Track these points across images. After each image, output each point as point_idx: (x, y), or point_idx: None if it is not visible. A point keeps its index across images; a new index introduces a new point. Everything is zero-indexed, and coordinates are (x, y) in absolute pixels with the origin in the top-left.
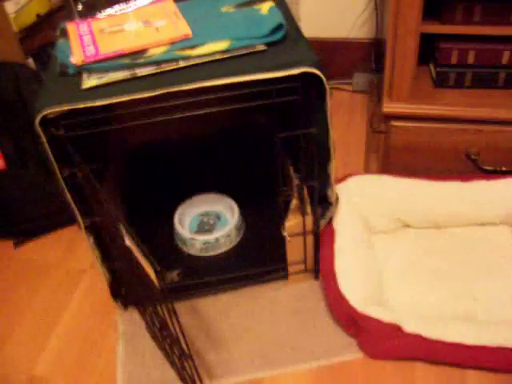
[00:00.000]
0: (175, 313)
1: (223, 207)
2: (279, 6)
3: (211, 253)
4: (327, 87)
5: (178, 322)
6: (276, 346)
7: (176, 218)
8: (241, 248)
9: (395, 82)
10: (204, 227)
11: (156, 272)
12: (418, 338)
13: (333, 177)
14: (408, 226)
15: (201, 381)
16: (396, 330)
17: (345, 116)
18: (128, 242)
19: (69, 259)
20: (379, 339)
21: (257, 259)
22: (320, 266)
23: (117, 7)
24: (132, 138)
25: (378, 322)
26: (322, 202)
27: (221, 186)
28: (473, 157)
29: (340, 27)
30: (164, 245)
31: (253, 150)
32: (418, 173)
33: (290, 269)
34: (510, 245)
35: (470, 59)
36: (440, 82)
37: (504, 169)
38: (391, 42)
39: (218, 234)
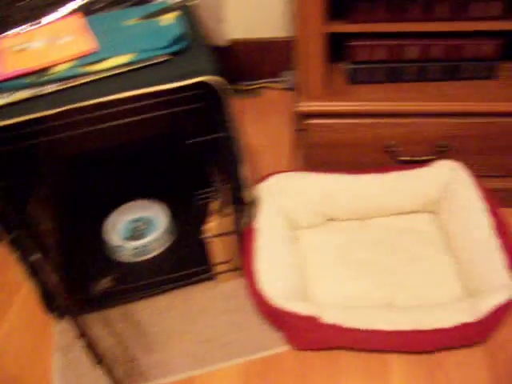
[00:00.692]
0: (78, 322)
1: (154, 212)
2: (185, 15)
3: (143, 257)
4: (225, 95)
5: (82, 330)
6: (208, 345)
7: (106, 225)
8: (172, 251)
9: (306, 81)
10: (136, 233)
11: (63, 285)
12: (338, 328)
13: (247, 178)
14: (333, 219)
15: None
16: (315, 321)
17: (275, 114)
18: (33, 257)
19: (5, 273)
20: (301, 332)
21: (188, 261)
22: (242, 264)
23: (27, 25)
24: (62, 150)
25: (296, 315)
26: (243, 203)
27: (152, 193)
28: (390, 149)
29: (268, 27)
30: (97, 253)
31: (181, 155)
32: (340, 167)
33: (219, 269)
34: (430, 231)
35: (381, 55)
36: (353, 79)
37: (422, 158)
38: (298, 43)
39: (148, 238)
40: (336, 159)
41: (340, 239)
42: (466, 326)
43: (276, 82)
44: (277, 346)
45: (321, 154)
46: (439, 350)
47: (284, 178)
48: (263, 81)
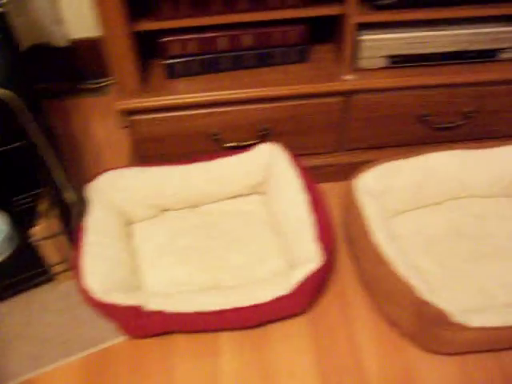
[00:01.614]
0: None
1: None
2: None
3: None
4: (19, 108)
5: None
6: (48, 345)
7: None
8: (14, 257)
9: (120, 80)
10: None
11: None
12: (163, 314)
13: (68, 180)
14: (167, 210)
15: None
16: (139, 310)
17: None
18: None
19: None
20: (130, 321)
21: (29, 265)
22: (71, 263)
23: None
24: None
25: (119, 306)
26: (68, 204)
27: None
28: (216, 137)
29: None
30: None
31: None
32: (171, 159)
33: (57, 269)
34: (258, 212)
35: (194, 48)
36: (171, 73)
37: (247, 143)
38: (106, 43)
39: None
40: (167, 151)
41: (172, 228)
42: (281, 298)
43: None
44: (114, 338)
45: (151, 147)
46: (266, 323)
47: (115, 175)
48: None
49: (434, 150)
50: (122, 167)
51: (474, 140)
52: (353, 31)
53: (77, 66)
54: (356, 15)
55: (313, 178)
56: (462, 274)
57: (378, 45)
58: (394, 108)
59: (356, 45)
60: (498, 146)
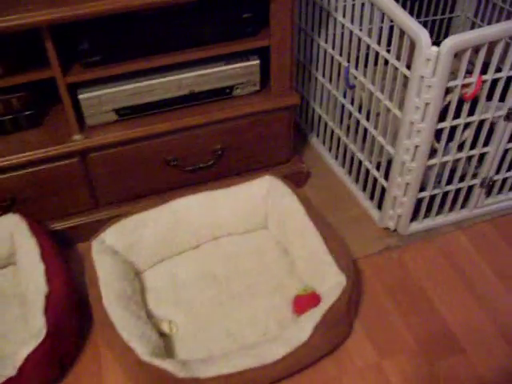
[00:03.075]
0: None
1: None
2: None
3: None
4: None
5: None
6: None
7: None
8: None
9: None
10: None
11: None
12: None
13: None
14: None
15: None
16: None
17: None
18: None
19: None
20: None
21: None
22: None
23: None
24: None
25: None
26: None
27: None
28: None
29: None
30: None
31: None
32: None
33: None
34: (8, 286)
35: None
36: None
37: None
38: None
39: None
40: None
41: None
42: (9, 381)
43: None
44: None
45: None
46: None
47: None
48: None
49: (180, 195)
50: None
51: (228, 177)
52: (67, 92)
53: None
54: (65, 76)
55: (68, 240)
56: (211, 319)
57: (100, 101)
58: (136, 159)
59: (78, 103)
60: (246, 181)
